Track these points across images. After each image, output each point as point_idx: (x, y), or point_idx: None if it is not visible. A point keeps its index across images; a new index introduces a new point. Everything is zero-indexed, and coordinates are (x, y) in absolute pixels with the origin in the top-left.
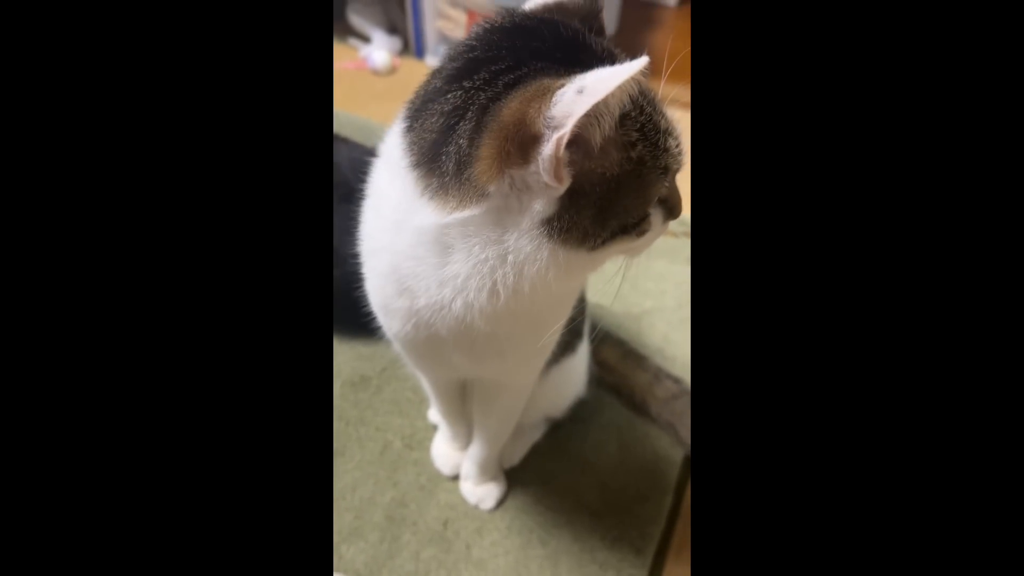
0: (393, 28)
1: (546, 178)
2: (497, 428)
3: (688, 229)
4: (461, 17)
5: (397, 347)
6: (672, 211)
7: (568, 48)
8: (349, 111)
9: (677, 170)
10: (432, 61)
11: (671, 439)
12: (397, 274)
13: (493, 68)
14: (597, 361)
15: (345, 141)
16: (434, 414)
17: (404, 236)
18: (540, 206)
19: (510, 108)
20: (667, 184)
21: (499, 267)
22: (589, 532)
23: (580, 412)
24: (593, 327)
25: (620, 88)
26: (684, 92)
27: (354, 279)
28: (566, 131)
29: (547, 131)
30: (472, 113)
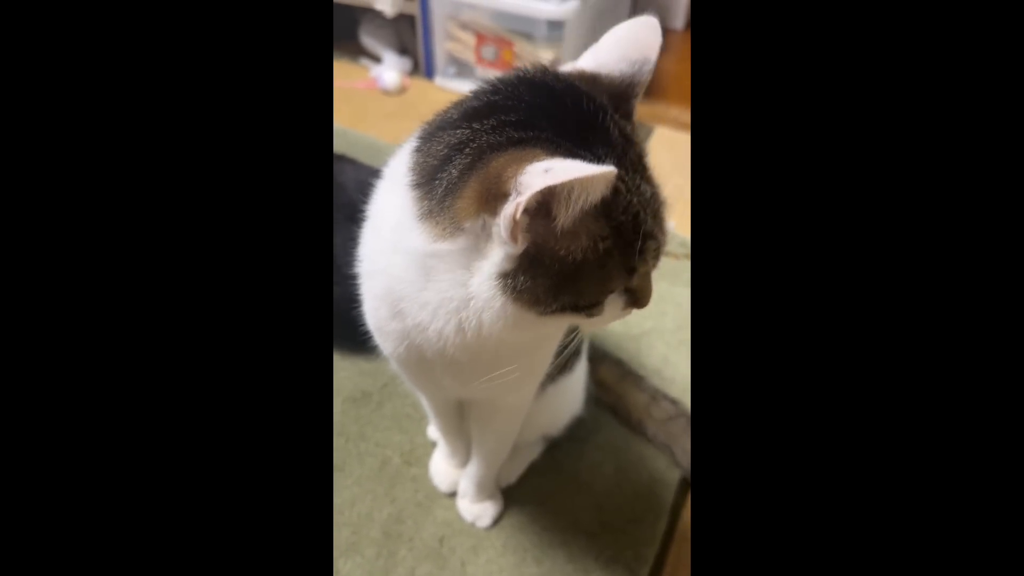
0: (404, 49)
1: (504, 234)
2: (494, 447)
3: (688, 251)
4: (470, 39)
5: (393, 366)
6: (637, 301)
7: (582, 124)
8: (359, 130)
9: (648, 272)
10: (441, 81)
11: (667, 460)
12: (391, 296)
13: (504, 118)
14: (595, 380)
15: (352, 162)
16: (433, 431)
17: (398, 258)
18: (499, 258)
19: (498, 161)
20: (634, 280)
21: (462, 309)
22: (584, 552)
23: (577, 432)
24: (592, 347)
25: (580, 182)
26: (685, 113)
27: (357, 296)
28: (522, 200)
29: (513, 193)
30: (471, 151)
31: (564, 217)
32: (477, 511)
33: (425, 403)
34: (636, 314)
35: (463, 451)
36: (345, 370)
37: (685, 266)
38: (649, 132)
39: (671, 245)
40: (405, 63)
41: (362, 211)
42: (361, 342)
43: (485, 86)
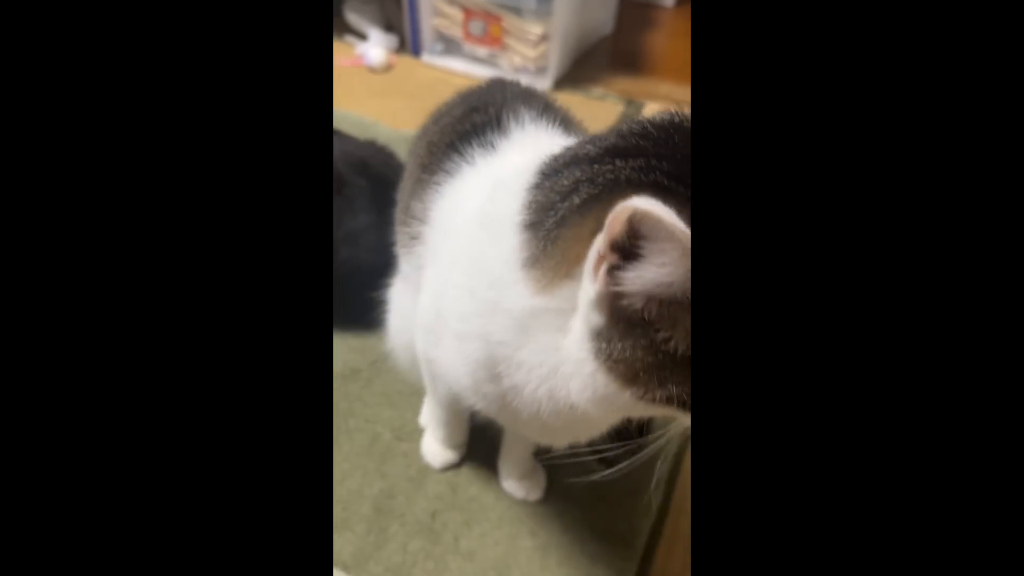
0: (389, 25)
1: (589, 268)
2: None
3: None
4: (457, 15)
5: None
6: None
7: None
8: (345, 108)
9: None
10: (428, 58)
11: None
12: (490, 361)
13: (655, 163)
14: None
15: (337, 134)
16: (425, 418)
17: (498, 319)
18: (589, 306)
19: (627, 197)
20: None
21: (552, 376)
22: (579, 524)
23: None
24: None
25: (666, 229)
26: (676, 90)
27: (343, 271)
28: (613, 223)
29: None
30: (603, 183)
31: (650, 273)
32: (528, 486)
33: (443, 412)
34: None
35: (462, 441)
36: (334, 346)
37: None
38: (639, 108)
39: None
40: (391, 40)
41: (348, 184)
42: (350, 318)
43: (634, 127)
